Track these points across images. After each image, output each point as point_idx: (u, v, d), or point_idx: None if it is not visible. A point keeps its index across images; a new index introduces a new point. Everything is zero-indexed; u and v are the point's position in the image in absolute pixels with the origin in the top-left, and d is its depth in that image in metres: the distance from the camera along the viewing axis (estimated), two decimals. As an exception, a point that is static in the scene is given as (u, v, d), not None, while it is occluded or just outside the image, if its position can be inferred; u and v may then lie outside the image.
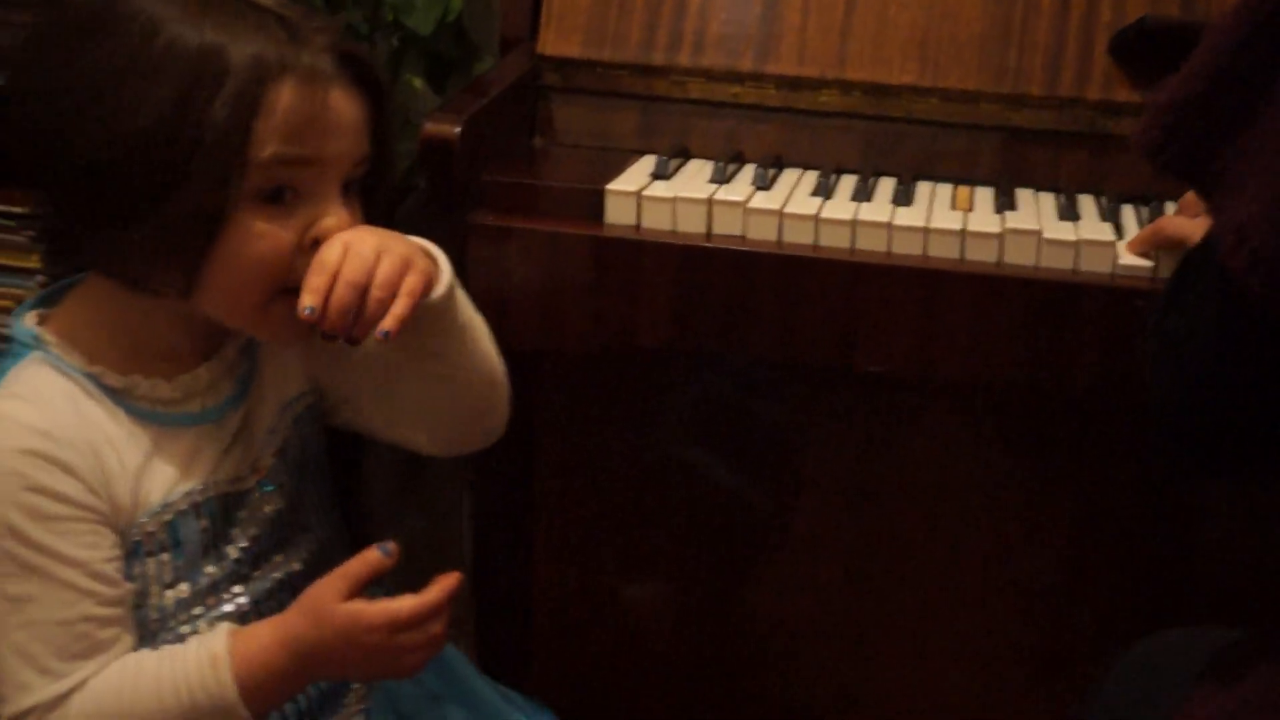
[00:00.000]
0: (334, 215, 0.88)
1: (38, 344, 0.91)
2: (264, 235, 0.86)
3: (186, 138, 0.83)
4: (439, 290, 0.91)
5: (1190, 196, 1.14)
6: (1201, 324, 0.83)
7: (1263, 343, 0.80)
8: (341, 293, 0.85)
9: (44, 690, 0.86)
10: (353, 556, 0.94)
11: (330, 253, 0.86)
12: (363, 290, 0.86)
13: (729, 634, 1.48)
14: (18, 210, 1.52)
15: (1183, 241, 1.09)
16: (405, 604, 0.89)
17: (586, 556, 1.46)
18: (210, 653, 0.88)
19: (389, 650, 0.89)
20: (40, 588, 0.85)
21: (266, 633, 0.89)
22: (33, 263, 1.53)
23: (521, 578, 1.46)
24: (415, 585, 1.14)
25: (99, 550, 0.87)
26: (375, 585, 0.92)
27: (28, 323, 0.92)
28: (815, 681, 1.47)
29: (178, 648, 0.89)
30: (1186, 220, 1.11)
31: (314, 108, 0.86)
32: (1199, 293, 0.84)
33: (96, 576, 0.87)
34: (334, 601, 0.88)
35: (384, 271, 0.86)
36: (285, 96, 0.85)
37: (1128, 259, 1.13)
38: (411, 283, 0.87)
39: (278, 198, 0.87)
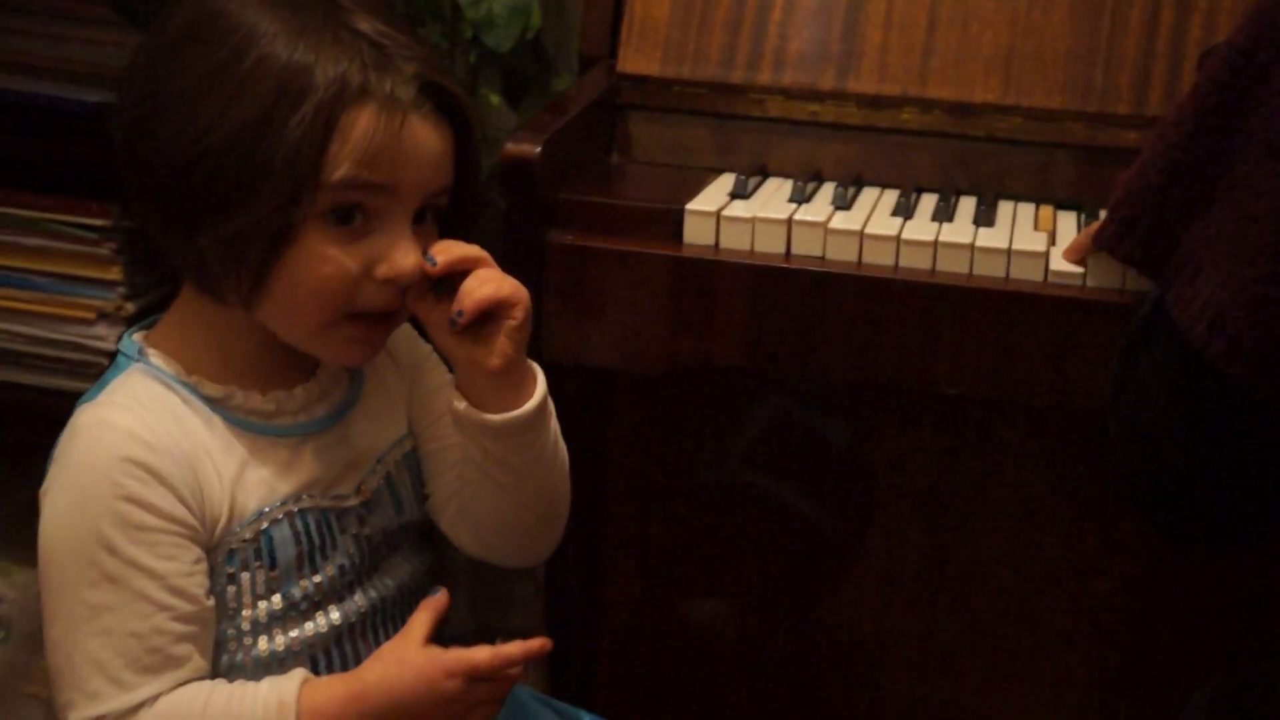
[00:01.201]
0: (404, 247, 0.89)
1: (140, 356, 0.93)
2: (328, 258, 0.87)
3: (261, 152, 0.84)
4: (530, 404, 0.93)
5: None
6: (1154, 403, 0.83)
7: (1226, 415, 0.80)
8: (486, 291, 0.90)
9: (113, 700, 0.86)
10: (432, 586, 0.96)
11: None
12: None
13: (800, 654, 1.47)
14: (99, 223, 1.54)
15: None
16: (484, 654, 0.90)
17: (656, 575, 1.46)
18: (280, 698, 0.88)
19: (461, 698, 0.90)
20: (118, 597, 0.86)
21: (339, 685, 0.90)
22: (114, 275, 1.55)
23: (591, 595, 1.46)
24: (488, 604, 1.14)
25: (180, 564, 0.87)
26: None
27: (132, 337, 0.94)
28: (888, 702, 1.46)
29: (250, 685, 0.89)
30: None
31: (390, 135, 0.86)
32: (1150, 374, 0.84)
33: (175, 591, 0.87)
34: (415, 645, 0.90)
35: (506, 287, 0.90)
36: (362, 122, 0.86)
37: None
38: (516, 311, 0.91)
39: (347, 220, 0.88)
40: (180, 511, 0.87)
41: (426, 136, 0.89)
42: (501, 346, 0.91)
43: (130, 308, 1.54)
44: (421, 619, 0.93)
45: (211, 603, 0.89)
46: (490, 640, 0.94)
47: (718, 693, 1.49)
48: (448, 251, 0.90)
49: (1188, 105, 0.82)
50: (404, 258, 0.89)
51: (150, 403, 0.90)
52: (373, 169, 0.86)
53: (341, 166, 0.86)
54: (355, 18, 0.88)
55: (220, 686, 0.89)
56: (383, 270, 0.89)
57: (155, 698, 0.87)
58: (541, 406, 0.94)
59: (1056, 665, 1.42)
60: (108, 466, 0.86)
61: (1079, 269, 1.13)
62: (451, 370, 0.97)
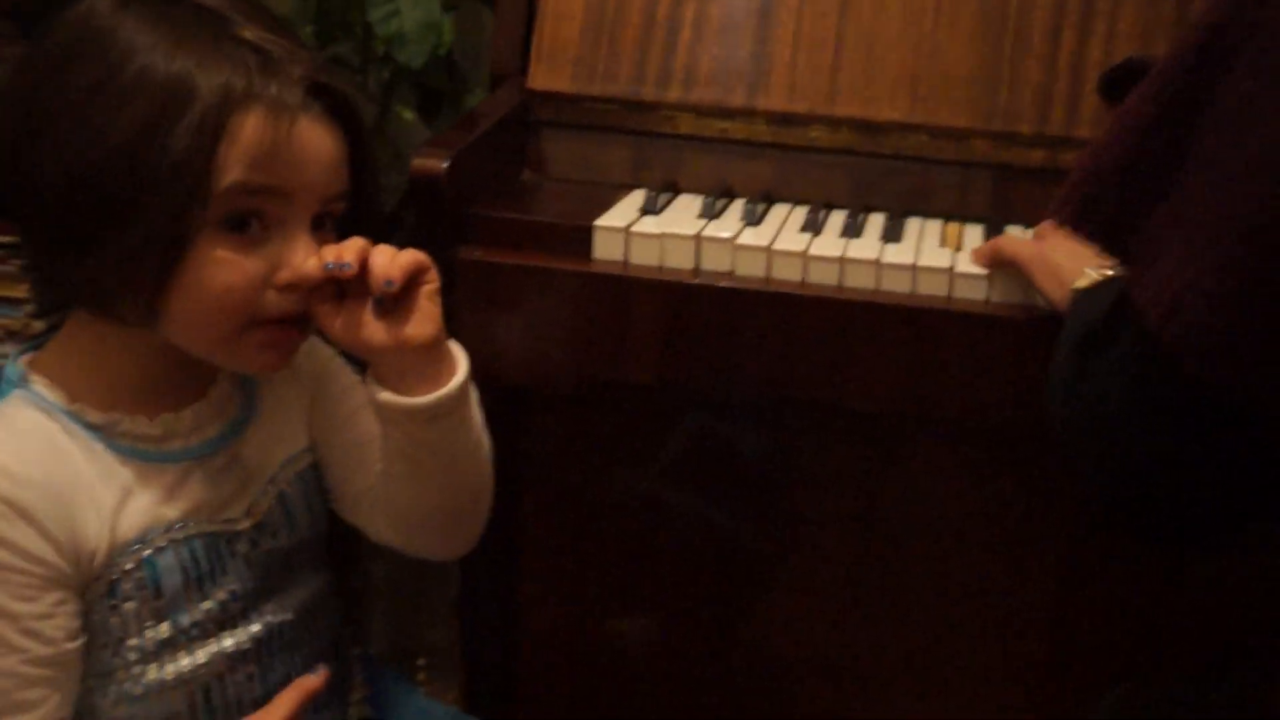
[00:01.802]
0: (302, 252, 0.88)
1: (22, 382, 0.90)
2: (226, 264, 0.86)
3: (147, 163, 0.83)
4: (457, 379, 0.92)
5: (1040, 226, 1.15)
6: (1115, 391, 0.83)
7: (1182, 409, 0.80)
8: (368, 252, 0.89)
9: None
10: (336, 606, 0.95)
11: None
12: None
13: (721, 670, 1.47)
14: (5, 240, 1.52)
15: (1012, 262, 1.12)
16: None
17: (574, 593, 1.45)
18: None
19: None
20: None
21: None
22: (20, 292, 1.52)
23: (508, 614, 1.45)
24: (405, 622, 1.13)
25: (37, 606, 0.85)
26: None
27: (17, 363, 0.92)
28: (808, 716, 1.46)
29: None
30: (1022, 242, 1.13)
31: (280, 137, 0.85)
32: (1110, 360, 0.84)
33: (28, 633, 0.85)
34: None
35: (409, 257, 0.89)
36: (250, 125, 0.84)
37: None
38: (431, 275, 0.90)
39: (242, 227, 0.86)
40: (43, 550, 0.85)
41: (318, 138, 0.88)
42: (429, 312, 0.90)
43: (37, 326, 1.51)
44: (288, 698, 0.93)
45: (75, 644, 0.87)
46: (413, 659, 0.93)
47: (638, 708, 1.49)
48: (350, 250, 0.89)
49: (1154, 82, 0.81)
50: (303, 261, 0.87)
51: (27, 433, 0.88)
52: (264, 172, 0.85)
53: (232, 171, 0.84)
54: (238, 27, 0.87)
55: None
56: (284, 275, 0.87)
57: None
58: (466, 381, 0.93)
59: (974, 681, 1.43)
60: None
61: (982, 280, 1.14)
62: (360, 370, 0.96)
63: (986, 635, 1.41)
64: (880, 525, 1.41)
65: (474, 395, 0.96)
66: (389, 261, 0.88)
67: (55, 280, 0.90)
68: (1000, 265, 1.14)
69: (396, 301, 0.89)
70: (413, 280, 0.89)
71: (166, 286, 0.85)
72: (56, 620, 0.86)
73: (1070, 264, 1.04)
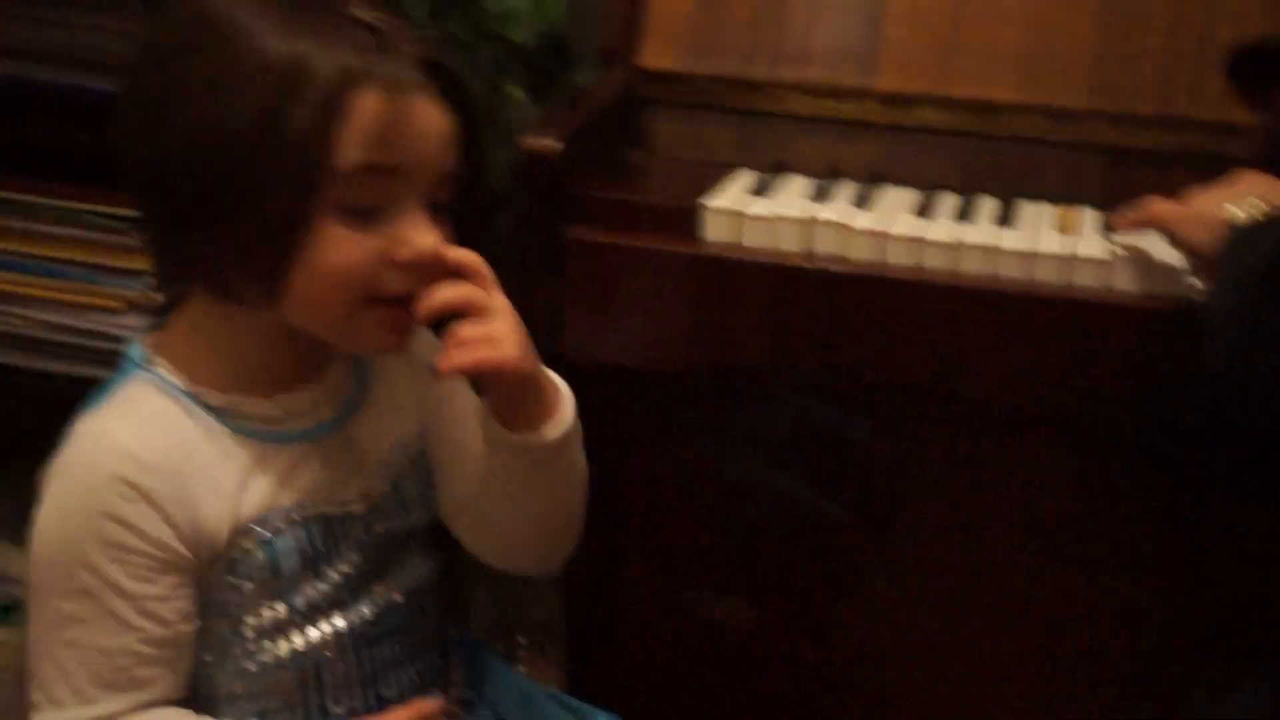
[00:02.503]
0: (419, 230, 0.88)
1: (145, 364, 0.92)
2: (345, 242, 0.86)
3: (268, 143, 0.83)
4: (557, 431, 0.93)
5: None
6: None
7: None
8: (448, 295, 0.88)
9: (73, 711, 0.87)
10: (443, 589, 0.96)
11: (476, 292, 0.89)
12: (461, 313, 0.88)
13: (818, 656, 1.46)
14: (125, 213, 1.56)
15: (1162, 226, 1.08)
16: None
17: (676, 575, 1.45)
18: None
19: None
20: (89, 611, 0.87)
21: None
22: (140, 264, 1.56)
23: (610, 594, 1.46)
24: (506, 602, 1.14)
25: (155, 587, 0.87)
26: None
27: (140, 344, 0.94)
28: (902, 708, 1.46)
29: None
30: (1168, 204, 1.09)
31: (396, 115, 0.86)
32: None
33: (145, 614, 0.87)
34: None
35: (495, 328, 0.88)
36: (368, 104, 0.85)
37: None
38: (495, 357, 0.89)
39: (361, 206, 0.87)
40: (163, 533, 0.87)
41: (433, 116, 0.88)
42: (455, 348, 0.89)
43: (157, 298, 1.55)
44: (404, 715, 0.95)
45: (189, 627, 0.89)
46: (513, 638, 0.95)
47: (736, 692, 1.49)
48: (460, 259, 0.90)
49: None
50: (422, 238, 0.88)
51: (150, 415, 0.89)
52: (382, 151, 0.86)
53: (350, 150, 0.84)
54: (352, 6, 0.87)
55: (187, 718, 0.90)
56: (403, 252, 0.88)
57: (114, 715, 0.87)
58: (569, 432, 0.94)
59: (1079, 674, 1.41)
60: (97, 482, 0.86)
61: (1103, 267, 1.11)
62: None
63: (1094, 633, 1.39)
64: (984, 516, 1.39)
65: (578, 433, 0.96)
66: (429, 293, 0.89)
67: (178, 261, 0.91)
68: (1142, 227, 1.11)
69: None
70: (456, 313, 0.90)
71: (287, 267, 0.86)
72: (173, 603, 0.88)
73: (1220, 205, 1.02)
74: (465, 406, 1.01)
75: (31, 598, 0.89)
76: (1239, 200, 1.01)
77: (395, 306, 0.90)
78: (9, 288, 1.59)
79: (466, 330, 0.89)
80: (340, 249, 0.86)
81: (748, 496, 1.42)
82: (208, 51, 0.85)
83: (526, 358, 0.91)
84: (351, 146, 0.84)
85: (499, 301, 0.90)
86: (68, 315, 1.58)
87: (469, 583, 1.68)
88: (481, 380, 0.92)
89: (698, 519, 1.43)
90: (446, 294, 0.89)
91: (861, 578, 1.43)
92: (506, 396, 0.92)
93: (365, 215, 0.87)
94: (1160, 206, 1.10)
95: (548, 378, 0.94)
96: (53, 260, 1.58)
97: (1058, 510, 1.37)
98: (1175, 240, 1.08)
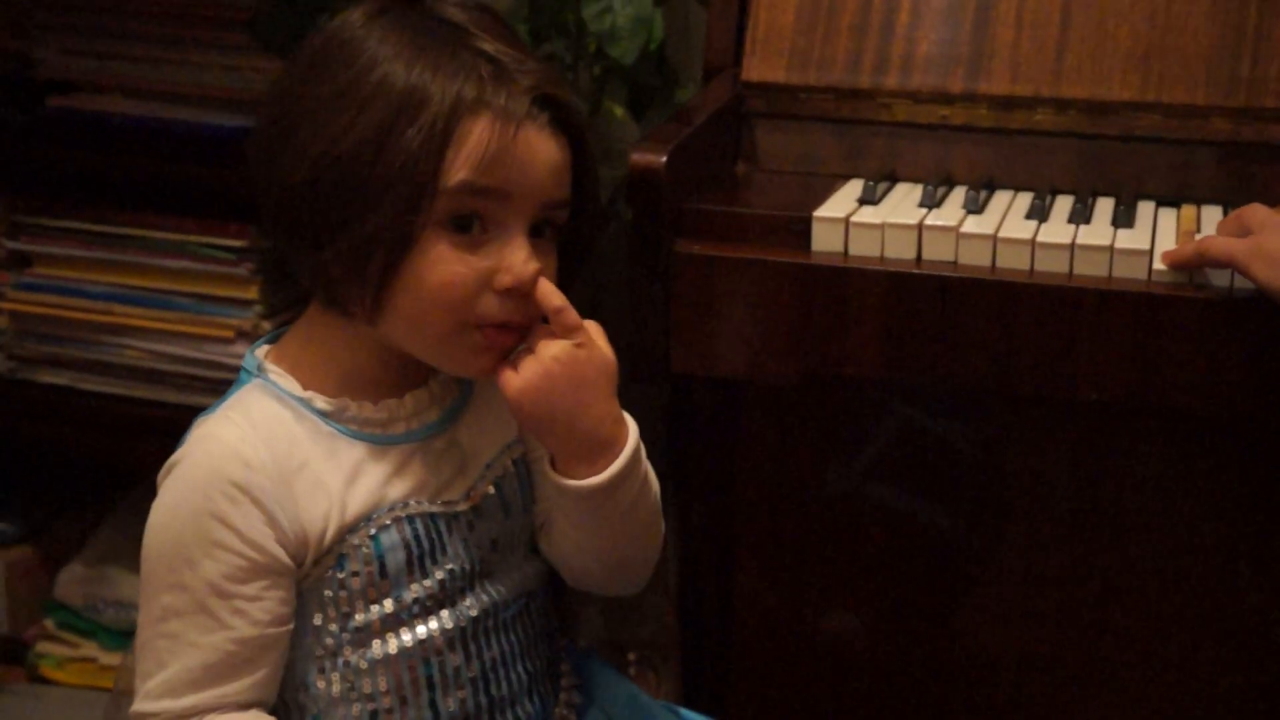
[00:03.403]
0: (521, 257, 0.91)
1: (259, 371, 0.96)
2: (448, 261, 0.90)
3: (381, 162, 0.88)
4: (602, 476, 0.94)
5: (1232, 216, 1.08)
6: None
7: None
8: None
9: (163, 702, 0.90)
10: (549, 592, 0.97)
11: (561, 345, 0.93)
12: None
13: (936, 668, 1.44)
14: (236, 244, 1.58)
15: (1227, 263, 1.05)
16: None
17: (789, 585, 1.44)
18: None
19: None
20: (187, 606, 0.90)
21: None
22: (251, 294, 1.59)
23: (723, 606, 1.45)
24: (616, 617, 1.13)
25: (249, 588, 0.90)
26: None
27: (255, 353, 0.98)
28: (1023, 716, 1.42)
29: None
30: (1231, 240, 1.06)
31: (505, 142, 0.89)
32: None
33: (238, 613, 0.90)
34: None
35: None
36: (478, 130, 0.89)
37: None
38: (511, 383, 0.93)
39: (466, 228, 0.90)
40: (263, 537, 0.90)
41: (542, 146, 0.92)
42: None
43: (267, 326, 1.57)
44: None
45: (278, 630, 0.91)
46: (623, 654, 0.94)
47: (852, 705, 1.47)
48: (550, 298, 0.93)
49: None
50: (523, 265, 0.91)
51: (261, 419, 0.93)
52: (488, 174, 0.89)
53: (458, 172, 0.89)
54: (476, 39, 0.91)
55: None
56: (502, 279, 0.91)
57: (199, 711, 0.90)
58: (617, 477, 0.94)
59: (1205, 684, 1.36)
60: (205, 481, 0.90)
61: (1226, 276, 1.08)
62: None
63: (1213, 643, 1.35)
64: (1100, 522, 1.36)
65: (635, 475, 0.96)
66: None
67: (291, 274, 0.95)
68: (1205, 266, 1.08)
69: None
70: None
71: (391, 281, 0.90)
72: (264, 604, 0.90)
73: None
74: None
75: (141, 590, 0.92)
76: None
77: (495, 330, 0.92)
78: (123, 320, 1.63)
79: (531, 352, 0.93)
80: (444, 267, 0.90)
81: (860, 507, 1.40)
82: (334, 75, 0.90)
83: (536, 409, 0.93)
84: (459, 168, 0.89)
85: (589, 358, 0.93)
86: (180, 345, 1.62)
87: (578, 597, 1.67)
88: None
89: (812, 530, 1.42)
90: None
91: (976, 588, 1.40)
92: (547, 438, 0.95)
93: (469, 237, 0.90)
94: (1222, 245, 1.06)
95: (605, 423, 0.94)
96: (164, 292, 1.62)
97: (1180, 516, 1.33)
98: (1248, 278, 1.05)
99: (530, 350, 0.93)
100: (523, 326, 0.93)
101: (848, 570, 1.43)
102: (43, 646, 1.77)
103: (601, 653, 1.71)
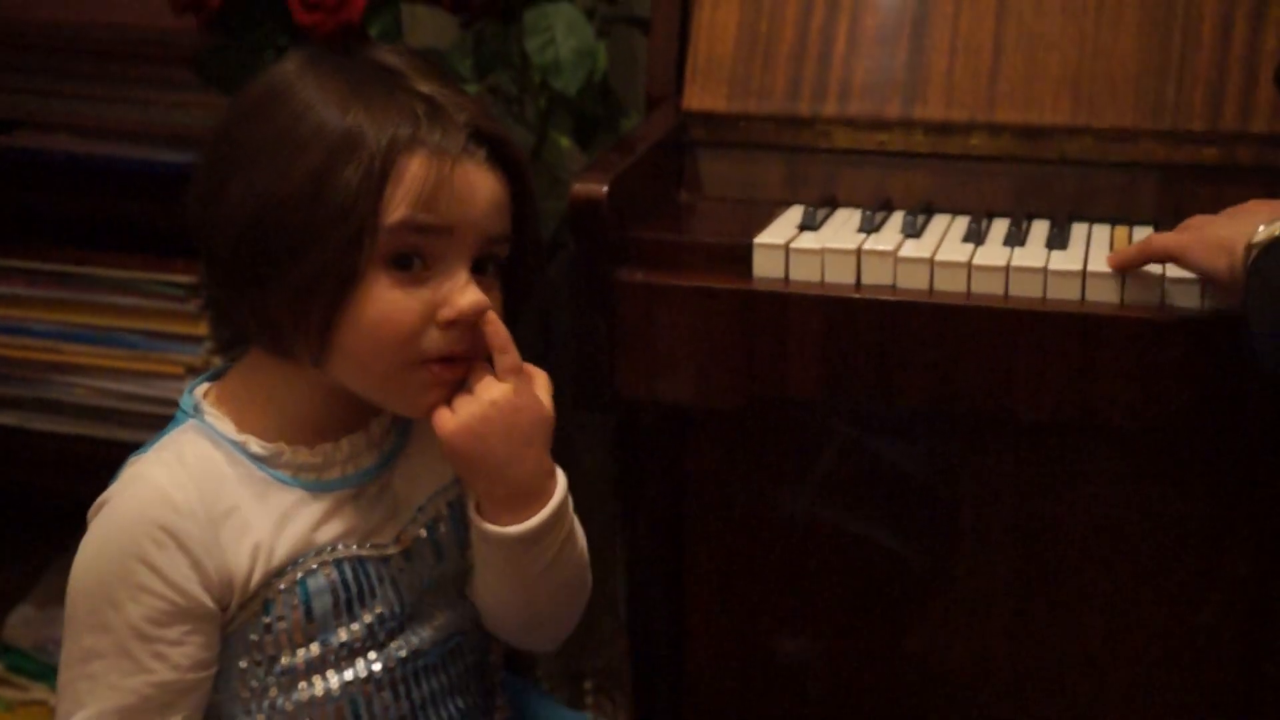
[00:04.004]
0: (463, 290, 0.91)
1: (195, 412, 0.96)
2: (391, 300, 0.90)
3: (320, 203, 0.88)
4: (526, 524, 0.94)
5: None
6: None
7: None
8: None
9: None
10: (481, 630, 0.98)
11: (496, 389, 0.93)
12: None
13: (888, 687, 1.45)
14: (184, 280, 1.58)
15: (1166, 256, 1.09)
16: None
17: (740, 609, 1.45)
18: None
19: None
20: (108, 647, 0.89)
21: None
22: (200, 330, 1.58)
23: (675, 631, 1.45)
24: (571, 646, 1.13)
25: (170, 632, 0.89)
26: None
27: (193, 393, 0.98)
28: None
29: None
30: (1171, 234, 1.10)
31: (442, 178, 0.90)
32: None
33: (158, 657, 0.89)
34: None
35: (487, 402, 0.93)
36: (414, 167, 0.89)
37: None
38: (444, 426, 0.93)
39: (407, 264, 0.90)
40: (187, 581, 0.89)
41: (481, 181, 0.92)
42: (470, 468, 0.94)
43: (216, 362, 1.57)
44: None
45: (198, 675, 0.91)
46: (579, 683, 0.95)
47: (806, 727, 1.48)
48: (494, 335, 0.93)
49: None
50: (464, 298, 0.91)
51: (194, 461, 0.92)
52: (428, 211, 0.90)
53: (398, 210, 0.89)
54: (411, 80, 0.92)
55: None
56: (445, 313, 0.91)
57: None
58: (540, 529, 0.94)
59: (1155, 695, 1.38)
60: (132, 523, 0.90)
61: (1156, 284, 1.10)
62: None
63: (1161, 655, 1.36)
64: (1046, 539, 1.37)
65: (562, 527, 0.96)
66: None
67: (234, 316, 0.95)
68: (1149, 262, 1.10)
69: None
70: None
71: (335, 322, 0.90)
72: (185, 649, 0.90)
73: (1235, 231, 1.02)
74: None
75: (64, 629, 0.92)
76: (1249, 223, 1.02)
77: (441, 365, 0.93)
78: (71, 358, 1.62)
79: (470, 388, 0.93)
80: (387, 304, 0.90)
81: (810, 529, 1.41)
82: (271, 120, 0.91)
83: (469, 451, 0.92)
84: (398, 205, 0.89)
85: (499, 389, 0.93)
86: (129, 383, 1.61)
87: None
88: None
89: (762, 553, 1.43)
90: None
91: (927, 608, 1.41)
92: (476, 481, 0.95)
93: (411, 274, 0.91)
94: (1163, 239, 1.10)
95: (535, 475, 0.94)
96: (112, 329, 1.62)
97: (1122, 530, 1.35)
98: (1188, 266, 1.08)
99: (469, 391, 0.93)
100: (467, 359, 0.93)
101: (799, 592, 1.43)
102: (-7, 689, 1.75)
103: (557, 682, 1.72)
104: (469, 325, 0.92)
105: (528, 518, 0.94)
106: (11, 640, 1.75)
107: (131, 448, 1.59)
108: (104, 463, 1.59)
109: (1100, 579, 1.37)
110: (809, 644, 1.45)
